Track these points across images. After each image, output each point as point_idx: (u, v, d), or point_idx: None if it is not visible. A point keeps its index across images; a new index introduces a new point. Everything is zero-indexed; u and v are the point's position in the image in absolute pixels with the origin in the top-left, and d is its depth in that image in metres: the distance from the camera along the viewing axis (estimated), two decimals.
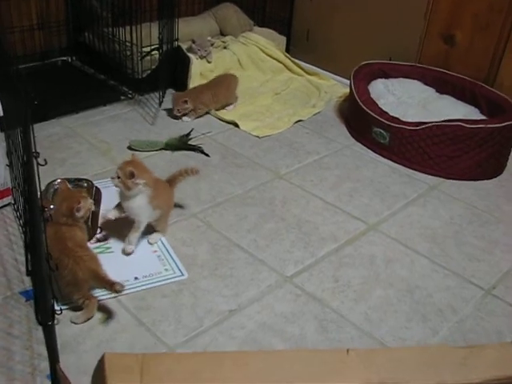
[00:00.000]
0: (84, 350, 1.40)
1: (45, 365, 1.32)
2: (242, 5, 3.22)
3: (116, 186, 1.64)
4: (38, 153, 1.26)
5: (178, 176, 1.82)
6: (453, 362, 1.13)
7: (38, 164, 1.24)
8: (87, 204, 1.57)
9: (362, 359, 1.12)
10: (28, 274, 1.60)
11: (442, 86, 2.60)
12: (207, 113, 2.58)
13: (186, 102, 2.45)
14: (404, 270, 1.73)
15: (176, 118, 2.51)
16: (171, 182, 1.82)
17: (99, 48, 2.81)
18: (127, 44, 2.60)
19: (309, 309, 1.56)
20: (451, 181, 2.22)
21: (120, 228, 1.80)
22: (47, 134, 2.33)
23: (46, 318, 1.28)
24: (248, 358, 1.14)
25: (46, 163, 1.23)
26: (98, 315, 1.49)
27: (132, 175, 1.59)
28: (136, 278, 1.62)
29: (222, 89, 2.58)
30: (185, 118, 2.49)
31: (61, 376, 1.24)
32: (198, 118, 2.53)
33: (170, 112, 2.54)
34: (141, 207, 1.67)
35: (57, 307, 1.47)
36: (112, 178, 1.64)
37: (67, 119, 2.46)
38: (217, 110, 2.60)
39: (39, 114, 2.41)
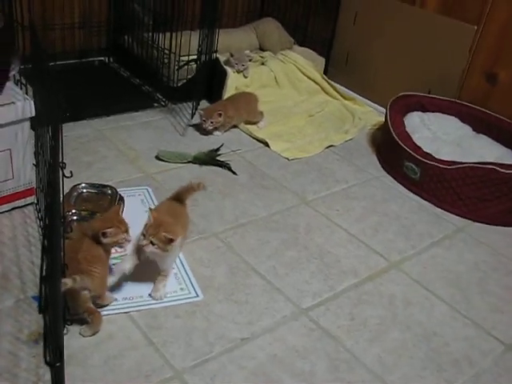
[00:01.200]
0: (91, 364, 1.38)
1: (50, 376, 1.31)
2: (284, 22, 3.21)
3: (151, 253, 1.52)
4: (65, 163, 1.25)
5: (185, 193, 1.75)
6: None
7: (63, 175, 1.23)
8: (119, 236, 1.50)
9: None
10: (41, 279, 1.58)
11: (479, 124, 2.55)
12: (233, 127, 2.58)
13: (220, 114, 2.42)
14: (423, 314, 1.69)
15: (205, 133, 2.48)
16: (181, 200, 1.74)
17: (137, 52, 2.81)
18: (165, 51, 2.59)
19: (322, 345, 1.52)
20: (480, 224, 2.17)
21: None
22: (77, 135, 2.33)
23: (54, 359, 1.25)
24: None
25: (71, 175, 1.23)
26: (110, 328, 1.47)
27: (171, 240, 1.50)
28: (150, 295, 1.60)
29: (242, 104, 2.57)
30: (216, 133, 2.48)
31: None
32: (226, 131, 2.52)
33: (198, 126, 2.51)
34: (173, 259, 1.62)
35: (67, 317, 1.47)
36: (144, 246, 1.50)
37: (98, 121, 2.46)
38: (246, 124, 2.59)
39: (71, 115, 2.41)
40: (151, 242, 1.49)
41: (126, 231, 1.52)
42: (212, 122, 2.42)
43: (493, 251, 2.03)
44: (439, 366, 1.51)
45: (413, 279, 1.82)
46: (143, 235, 1.52)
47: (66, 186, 1.92)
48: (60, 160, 1.21)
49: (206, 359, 1.43)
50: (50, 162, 1.01)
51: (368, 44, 2.99)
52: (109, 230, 1.48)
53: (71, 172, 1.23)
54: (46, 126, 1.10)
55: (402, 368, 1.49)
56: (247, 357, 1.45)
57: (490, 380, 1.50)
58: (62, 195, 1.29)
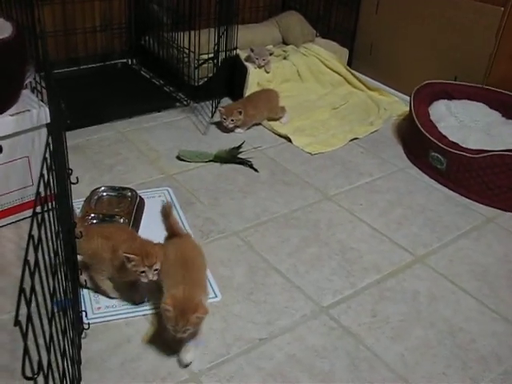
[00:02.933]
0: (108, 367, 1.38)
1: None
2: (307, 14, 3.17)
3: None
4: (71, 170, 1.26)
5: (171, 223, 1.67)
6: None
7: (70, 182, 1.23)
8: (138, 268, 1.45)
9: None
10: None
11: (509, 110, 2.47)
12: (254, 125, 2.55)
13: (240, 112, 2.40)
14: (448, 309, 1.64)
15: (226, 131, 2.47)
16: (175, 232, 1.65)
17: (158, 52, 2.81)
18: (185, 50, 2.58)
19: (342, 344, 1.49)
20: (510, 214, 2.10)
21: (159, 241, 1.79)
22: (99, 138, 2.34)
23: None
24: None
25: (77, 182, 1.23)
26: (129, 331, 1.47)
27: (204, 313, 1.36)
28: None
29: (263, 101, 2.54)
30: (237, 130, 2.46)
31: None
32: (248, 129, 2.50)
33: (220, 124, 2.50)
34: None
35: (85, 321, 1.48)
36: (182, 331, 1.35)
37: (120, 123, 2.47)
38: (269, 120, 2.57)
39: (94, 118, 2.43)
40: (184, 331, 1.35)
41: (149, 266, 1.45)
42: (232, 120, 2.40)
43: None
44: (464, 364, 1.46)
45: (438, 273, 1.77)
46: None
47: (88, 189, 1.96)
48: (67, 167, 1.21)
49: (222, 361, 1.42)
50: (54, 170, 1.01)
51: (391, 33, 2.92)
52: (132, 256, 1.45)
53: (77, 178, 1.23)
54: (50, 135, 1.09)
55: (424, 366, 1.45)
56: (265, 357, 1.43)
57: None
58: (70, 202, 1.29)
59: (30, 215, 1.84)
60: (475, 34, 2.57)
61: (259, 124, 2.56)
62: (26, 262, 0.71)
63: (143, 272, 1.45)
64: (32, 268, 0.78)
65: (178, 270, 1.46)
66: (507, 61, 2.52)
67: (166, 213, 1.73)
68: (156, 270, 1.46)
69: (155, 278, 1.47)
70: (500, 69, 2.55)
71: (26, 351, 0.70)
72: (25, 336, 0.70)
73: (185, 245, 1.59)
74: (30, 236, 0.77)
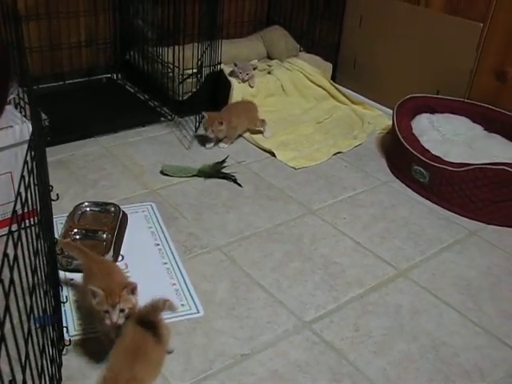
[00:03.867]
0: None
1: None
2: (291, 29, 3.20)
3: None
4: (52, 186, 1.25)
5: (151, 314, 1.34)
6: None
7: (50, 199, 1.23)
8: (102, 306, 1.32)
9: None
10: None
11: (491, 123, 2.49)
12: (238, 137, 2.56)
13: (221, 123, 2.39)
14: (431, 323, 1.64)
15: (207, 142, 2.46)
16: (148, 323, 1.33)
17: (143, 67, 2.82)
18: (170, 65, 2.59)
19: (324, 359, 1.49)
20: (493, 227, 2.11)
21: (142, 256, 1.79)
22: (84, 153, 2.34)
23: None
24: None
25: (57, 198, 1.22)
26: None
27: None
28: None
29: (242, 112, 2.54)
30: (221, 145, 2.46)
31: None
32: (231, 143, 2.50)
33: (204, 139, 2.49)
34: None
35: (66, 337, 1.47)
36: None
37: (105, 138, 2.47)
38: (252, 133, 2.58)
39: (79, 133, 2.43)
40: None
41: (112, 306, 1.31)
42: (213, 131, 2.39)
43: (506, 254, 1.97)
44: (447, 378, 1.47)
45: (421, 287, 1.78)
46: None
47: (71, 204, 1.95)
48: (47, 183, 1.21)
49: (204, 377, 1.41)
50: (35, 185, 1.01)
51: (375, 47, 2.95)
52: (97, 290, 1.33)
53: (57, 195, 1.23)
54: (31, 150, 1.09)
55: (407, 381, 1.45)
56: (247, 373, 1.43)
57: None
58: (52, 217, 1.29)
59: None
60: (456, 49, 2.60)
61: (241, 137, 2.57)
62: None
63: (107, 312, 1.32)
64: (7, 287, 0.77)
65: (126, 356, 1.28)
66: (488, 75, 2.55)
67: (158, 308, 1.34)
68: (122, 311, 1.33)
69: (121, 321, 1.32)
70: (481, 83, 2.58)
71: None
72: None
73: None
74: (5, 255, 0.76)
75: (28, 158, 1.01)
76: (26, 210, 0.97)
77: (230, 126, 2.44)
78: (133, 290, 1.36)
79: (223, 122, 2.40)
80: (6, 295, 0.76)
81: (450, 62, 2.64)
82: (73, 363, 1.42)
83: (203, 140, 2.50)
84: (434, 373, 1.48)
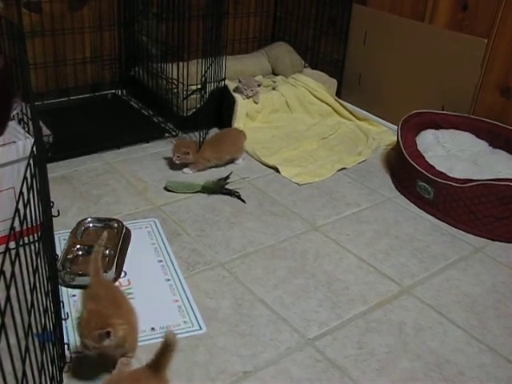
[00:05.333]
0: None
1: None
2: (296, 45, 3.21)
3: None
4: (53, 202, 1.25)
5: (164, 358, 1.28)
6: None
7: (51, 214, 1.22)
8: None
9: None
10: None
11: (496, 139, 2.48)
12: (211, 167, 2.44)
13: (188, 153, 2.33)
14: (435, 340, 1.62)
15: (173, 165, 2.40)
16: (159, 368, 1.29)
17: (148, 83, 2.83)
18: (174, 81, 2.60)
19: (327, 376, 1.47)
20: (498, 243, 2.09)
21: (145, 272, 1.78)
22: (87, 169, 2.34)
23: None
24: None
25: (58, 214, 1.22)
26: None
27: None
28: (153, 329, 1.58)
29: (226, 145, 2.46)
30: (185, 170, 2.39)
31: None
32: (198, 171, 2.41)
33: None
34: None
35: (68, 354, 1.46)
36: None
37: (109, 154, 2.47)
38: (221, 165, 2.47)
39: (83, 148, 2.44)
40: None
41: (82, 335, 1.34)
42: (178, 157, 2.33)
43: (511, 271, 1.95)
44: None
45: (425, 304, 1.76)
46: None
47: (74, 220, 1.95)
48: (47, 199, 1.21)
49: None
50: (40, 201, 1.01)
51: (379, 63, 2.95)
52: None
53: (58, 211, 1.23)
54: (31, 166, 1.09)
55: None
56: None
57: None
58: (53, 233, 1.29)
59: (13, 247, 1.84)
60: (461, 65, 2.60)
61: (245, 154, 2.57)
62: None
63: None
64: (3, 305, 0.77)
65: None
66: (493, 91, 2.55)
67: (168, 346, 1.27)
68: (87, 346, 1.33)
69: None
70: (486, 99, 2.57)
71: None
72: None
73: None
74: (1, 272, 0.76)
75: (28, 175, 1.01)
76: (25, 227, 0.97)
77: (202, 156, 2.38)
78: (104, 334, 1.32)
79: (189, 151, 2.33)
80: (2, 313, 0.76)
81: (454, 78, 2.63)
82: (74, 381, 1.41)
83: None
84: None
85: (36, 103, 1.97)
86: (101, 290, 1.49)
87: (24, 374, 0.89)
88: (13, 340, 0.86)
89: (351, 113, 2.95)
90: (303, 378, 1.46)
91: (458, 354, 1.58)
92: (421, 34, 2.73)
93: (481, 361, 1.57)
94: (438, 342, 1.62)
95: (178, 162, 2.35)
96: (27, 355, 0.93)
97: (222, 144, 2.46)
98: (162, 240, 1.94)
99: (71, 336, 1.53)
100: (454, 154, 2.44)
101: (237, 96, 2.69)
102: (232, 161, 2.49)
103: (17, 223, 0.90)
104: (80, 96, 2.90)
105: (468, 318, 1.72)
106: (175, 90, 2.62)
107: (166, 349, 1.26)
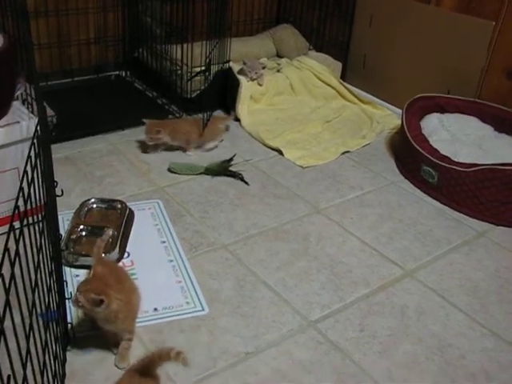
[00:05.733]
0: (93, 380, 1.37)
1: None
2: (301, 27, 3.18)
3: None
4: (57, 182, 1.25)
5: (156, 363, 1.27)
6: None
7: (55, 194, 1.22)
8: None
9: None
10: None
11: (501, 124, 2.46)
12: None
13: (159, 131, 2.29)
14: (437, 324, 1.63)
15: (148, 150, 2.37)
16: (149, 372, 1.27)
17: (152, 65, 2.82)
18: (178, 63, 2.59)
19: (329, 359, 1.48)
20: (502, 228, 2.09)
21: (148, 253, 1.78)
22: (91, 150, 2.34)
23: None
24: None
25: (62, 194, 1.22)
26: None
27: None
28: (155, 309, 1.58)
29: (189, 125, 2.41)
30: (189, 153, 2.38)
31: None
32: (195, 149, 2.40)
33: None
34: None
35: (70, 333, 1.47)
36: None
37: (112, 135, 2.47)
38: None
39: (86, 130, 2.43)
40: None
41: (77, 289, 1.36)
42: (151, 138, 2.30)
43: None
44: (453, 380, 1.45)
45: (428, 288, 1.76)
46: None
47: (77, 201, 1.95)
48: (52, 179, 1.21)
49: (208, 375, 1.41)
50: (43, 181, 1.01)
51: (385, 46, 2.93)
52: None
53: (62, 191, 1.23)
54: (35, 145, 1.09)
55: (412, 382, 1.43)
56: (251, 372, 1.42)
57: None
58: (56, 213, 1.29)
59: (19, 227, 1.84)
60: (467, 48, 2.58)
61: (249, 136, 2.56)
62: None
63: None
64: (8, 282, 0.77)
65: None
66: (499, 75, 2.53)
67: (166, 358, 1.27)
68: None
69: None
70: (492, 83, 2.56)
71: None
72: None
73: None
74: (6, 249, 0.76)
75: (32, 153, 1.00)
76: (29, 206, 0.97)
77: (179, 133, 2.36)
78: (98, 301, 1.33)
79: (161, 130, 2.29)
80: (7, 290, 0.76)
81: (460, 61, 2.61)
82: (77, 359, 1.42)
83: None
84: (439, 375, 1.46)
85: (40, 84, 1.96)
86: (106, 269, 1.50)
87: (28, 351, 0.89)
88: (17, 319, 0.86)
89: (356, 96, 2.94)
90: (305, 360, 1.47)
91: (460, 337, 1.59)
92: (427, 17, 2.70)
93: (483, 345, 1.57)
94: (440, 325, 1.62)
95: (150, 143, 2.32)
96: (31, 333, 0.93)
97: (181, 125, 2.41)
98: (165, 221, 1.95)
99: (74, 316, 1.53)
100: (459, 138, 2.42)
101: (241, 78, 2.68)
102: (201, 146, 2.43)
103: (21, 202, 0.90)
104: (84, 77, 2.89)
105: (471, 303, 1.72)
106: (179, 72, 2.61)
107: (163, 360, 1.25)
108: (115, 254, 1.74)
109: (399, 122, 2.61)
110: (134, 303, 1.46)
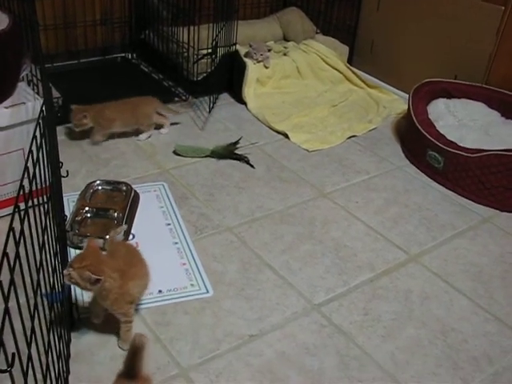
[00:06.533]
0: (97, 361, 1.38)
1: None
2: (308, 11, 3.16)
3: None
4: (62, 163, 1.25)
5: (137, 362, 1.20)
6: None
7: (60, 175, 1.23)
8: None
9: None
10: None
11: (508, 110, 2.45)
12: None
13: (85, 116, 2.22)
14: (441, 309, 1.63)
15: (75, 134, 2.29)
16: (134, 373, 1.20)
17: (158, 47, 2.80)
18: (185, 45, 2.57)
19: (333, 342, 1.49)
20: (507, 214, 2.08)
21: (153, 235, 1.79)
22: None
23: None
24: None
25: (67, 175, 1.22)
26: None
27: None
28: (160, 291, 1.59)
29: (128, 111, 2.30)
30: (162, 130, 2.37)
31: None
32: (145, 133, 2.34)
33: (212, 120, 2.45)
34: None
35: (75, 314, 1.48)
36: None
37: None
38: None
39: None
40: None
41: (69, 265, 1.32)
42: (76, 124, 2.22)
43: None
44: (455, 364, 1.46)
45: (432, 272, 1.76)
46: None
47: (83, 182, 1.96)
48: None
49: (212, 356, 1.41)
50: (47, 162, 1.01)
51: (392, 30, 2.91)
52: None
53: (67, 172, 1.23)
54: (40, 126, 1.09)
55: (415, 365, 1.44)
56: (254, 354, 1.43)
57: (511, 379, 1.43)
58: (61, 194, 1.29)
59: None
60: (476, 33, 2.55)
61: (255, 119, 2.55)
62: (4, 255, 0.71)
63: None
64: (12, 261, 0.77)
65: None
66: (507, 60, 2.50)
67: (137, 349, 1.19)
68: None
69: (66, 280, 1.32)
70: (500, 68, 2.53)
71: (0, 344, 0.70)
72: (0, 331, 0.70)
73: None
74: (10, 229, 0.76)
75: (37, 133, 1.00)
76: (34, 187, 0.97)
77: (102, 118, 2.25)
78: (94, 280, 1.32)
79: (86, 115, 2.21)
80: (11, 270, 0.76)
81: (468, 46, 2.59)
82: (81, 340, 1.43)
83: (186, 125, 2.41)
84: (442, 358, 1.47)
85: (46, 65, 1.96)
86: (122, 249, 1.50)
87: (33, 331, 0.90)
88: (22, 300, 0.87)
89: (362, 80, 2.92)
90: (309, 343, 1.48)
91: (463, 322, 1.59)
92: (435, 1, 2.67)
93: (486, 330, 1.57)
94: (444, 310, 1.63)
95: (77, 129, 2.24)
96: (36, 313, 0.94)
97: (124, 110, 2.31)
98: (171, 203, 1.95)
99: (79, 297, 1.54)
100: (466, 123, 2.41)
101: (247, 61, 2.66)
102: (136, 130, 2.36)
103: (26, 183, 0.90)
104: (90, 59, 2.88)
105: (475, 288, 1.72)
106: (186, 54, 2.60)
107: (137, 352, 1.19)
108: (120, 235, 1.74)
109: (406, 106, 2.59)
110: (129, 289, 1.39)
